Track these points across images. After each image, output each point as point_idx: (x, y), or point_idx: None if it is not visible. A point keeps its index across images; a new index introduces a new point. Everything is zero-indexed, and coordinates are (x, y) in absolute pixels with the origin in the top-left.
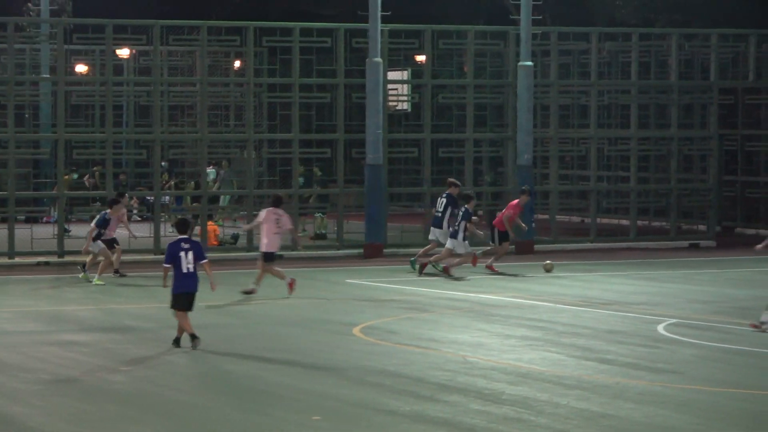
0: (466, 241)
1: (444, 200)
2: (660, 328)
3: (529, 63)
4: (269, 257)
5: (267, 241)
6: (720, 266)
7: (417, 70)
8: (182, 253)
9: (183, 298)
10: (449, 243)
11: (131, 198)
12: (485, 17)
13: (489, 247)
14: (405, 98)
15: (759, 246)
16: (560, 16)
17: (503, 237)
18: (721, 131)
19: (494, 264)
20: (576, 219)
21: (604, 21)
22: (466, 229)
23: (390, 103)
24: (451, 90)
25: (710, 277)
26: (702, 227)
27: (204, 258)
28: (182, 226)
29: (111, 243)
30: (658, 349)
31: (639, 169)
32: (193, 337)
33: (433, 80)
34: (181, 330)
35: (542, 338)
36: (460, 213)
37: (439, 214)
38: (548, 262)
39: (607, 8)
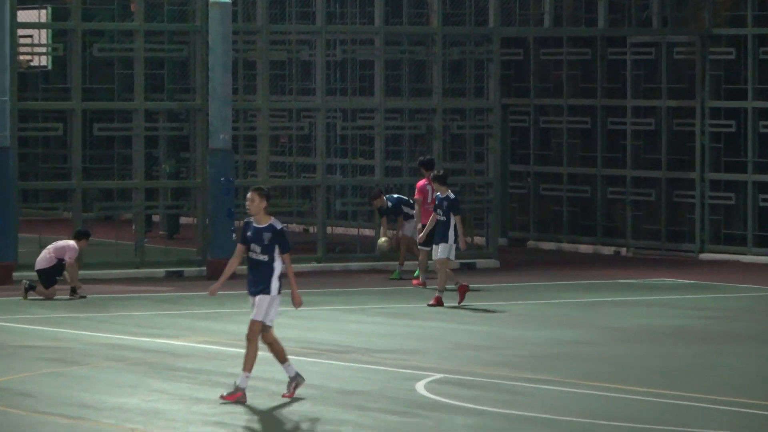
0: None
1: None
2: (419, 386)
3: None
4: None
5: None
6: (504, 296)
7: (61, 10)
8: None
9: None
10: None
11: None
12: None
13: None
14: (43, 50)
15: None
16: None
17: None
18: (505, 101)
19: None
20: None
21: None
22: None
23: (22, 57)
24: (112, 38)
25: (488, 312)
26: (479, 239)
27: None
28: None
29: None
30: (419, 418)
31: (386, 156)
32: None
33: (86, 24)
34: None
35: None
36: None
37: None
38: (384, 239)
39: None
